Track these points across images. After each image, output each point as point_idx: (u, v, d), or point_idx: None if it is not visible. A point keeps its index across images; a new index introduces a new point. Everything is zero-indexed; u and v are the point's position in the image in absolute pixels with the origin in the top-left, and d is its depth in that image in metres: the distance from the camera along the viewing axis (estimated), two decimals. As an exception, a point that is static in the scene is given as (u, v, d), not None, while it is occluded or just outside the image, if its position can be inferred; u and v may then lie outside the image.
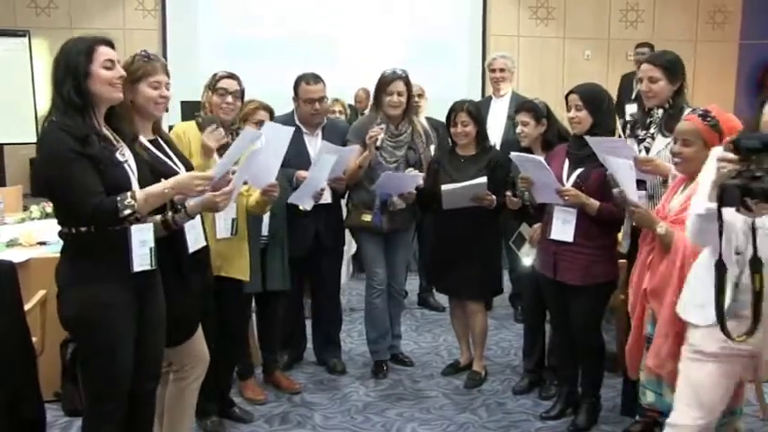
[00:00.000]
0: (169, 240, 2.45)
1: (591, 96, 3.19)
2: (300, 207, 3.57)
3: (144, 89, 2.54)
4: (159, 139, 2.63)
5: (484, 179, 3.55)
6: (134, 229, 2.22)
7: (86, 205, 2.13)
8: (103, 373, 2.27)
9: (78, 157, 2.13)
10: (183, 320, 2.53)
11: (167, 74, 2.62)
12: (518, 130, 3.61)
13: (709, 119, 2.59)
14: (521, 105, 3.68)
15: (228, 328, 3.25)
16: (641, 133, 3.08)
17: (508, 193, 3.49)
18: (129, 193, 2.16)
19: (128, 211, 2.14)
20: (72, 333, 2.32)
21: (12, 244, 3.60)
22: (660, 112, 3.04)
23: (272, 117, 3.47)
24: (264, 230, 3.46)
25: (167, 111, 2.69)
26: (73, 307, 2.23)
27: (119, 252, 2.21)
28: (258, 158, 2.73)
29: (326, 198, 3.75)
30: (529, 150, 3.55)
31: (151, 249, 2.28)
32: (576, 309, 3.24)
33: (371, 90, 3.99)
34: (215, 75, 3.18)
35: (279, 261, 3.54)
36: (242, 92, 3.16)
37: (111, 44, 2.27)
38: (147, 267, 2.27)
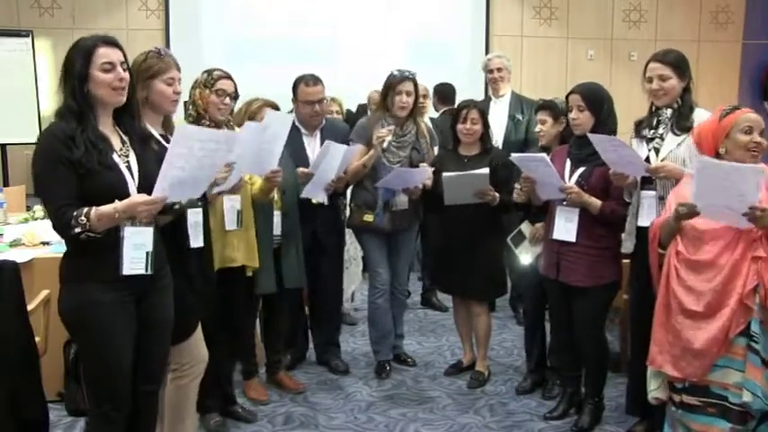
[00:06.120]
0: (173, 238, 2.45)
1: (593, 96, 3.16)
2: (314, 201, 3.59)
3: (158, 86, 2.56)
4: (168, 135, 2.61)
5: (486, 170, 3.53)
6: (128, 231, 2.19)
7: (52, 213, 2.13)
8: (97, 373, 2.27)
9: (57, 163, 2.10)
10: (182, 319, 2.52)
11: (179, 69, 2.63)
12: (536, 128, 3.64)
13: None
14: (541, 104, 3.69)
15: (234, 325, 3.26)
16: (648, 133, 3.02)
17: (517, 186, 3.42)
18: (85, 210, 2.08)
19: (78, 230, 2.07)
20: (67, 329, 2.32)
21: (15, 244, 3.61)
22: (669, 111, 2.98)
23: None
24: (277, 230, 3.46)
25: None
26: (65, 303, 2.24)
27: (110, 253, 2.18)
28: (250, 146, 2.79)
29: (324, 198, 3.75)
30: (547, 149, 3.55)
31: (148, 254, 2.22)
32: (579, 309, 3.23)
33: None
34: (211, 73, 3.06)
35: (294, 259, 3.56)
36: (236, 92, 3.12)
37: (114, 44, 2.22)
38: (141, 272, 2.22)
